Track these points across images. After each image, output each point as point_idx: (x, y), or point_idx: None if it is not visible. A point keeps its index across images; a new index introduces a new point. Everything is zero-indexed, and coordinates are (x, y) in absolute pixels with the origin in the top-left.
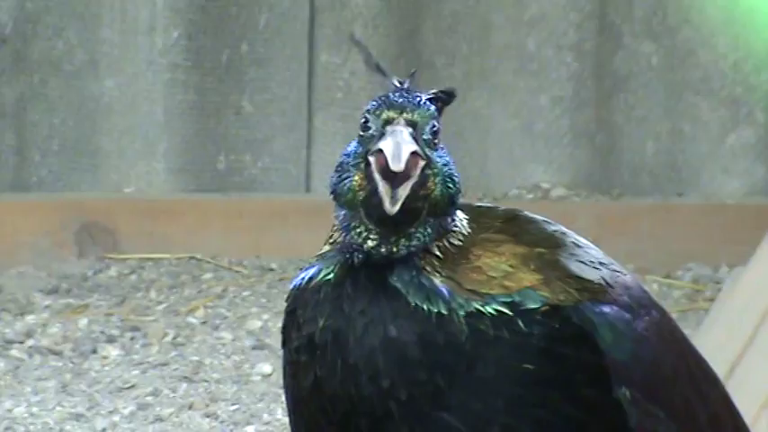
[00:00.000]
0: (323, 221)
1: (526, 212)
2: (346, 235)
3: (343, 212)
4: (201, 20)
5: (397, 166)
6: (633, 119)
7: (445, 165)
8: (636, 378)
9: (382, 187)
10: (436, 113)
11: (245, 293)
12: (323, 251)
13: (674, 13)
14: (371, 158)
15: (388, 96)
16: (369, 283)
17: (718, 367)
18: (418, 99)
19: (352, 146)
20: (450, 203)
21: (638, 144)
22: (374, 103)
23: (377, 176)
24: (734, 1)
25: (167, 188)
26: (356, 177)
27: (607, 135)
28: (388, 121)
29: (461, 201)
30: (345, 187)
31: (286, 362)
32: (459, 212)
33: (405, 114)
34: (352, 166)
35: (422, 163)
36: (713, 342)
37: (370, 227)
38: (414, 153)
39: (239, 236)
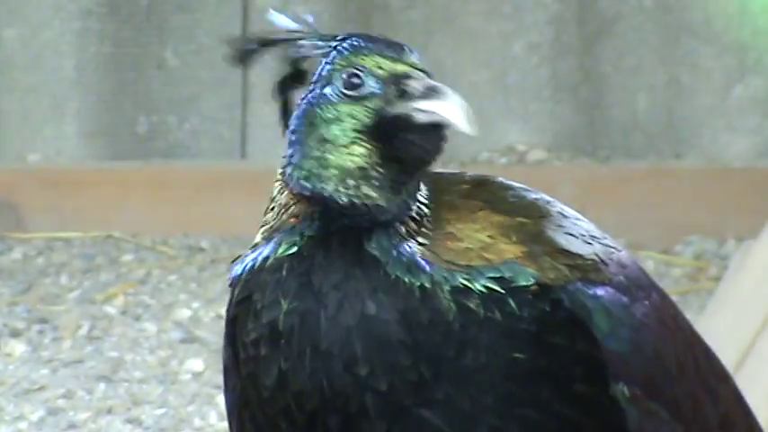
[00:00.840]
0: (261, 192)
1: (500, 178)
2: (342, 201)
3: (323, 193)
4: None
5: (475, 129)
6: (623, 68)
7: None
8: (635, 372)
9: (445, 110)
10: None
11: (172, 278)
12: (272, 226)
13: None
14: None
15: (369, 45)
16: (343, 251)
17: (726, 358)
18: (400, 44)
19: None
20: None
21: (629, 98)
22: (358, 51)
23: (423, 106)
24: None
25: (79, 156)
26: (358, 148)
27: (593, 88)
28: (405, 75)
29: None
30: (343, 162)
31: (234, 360)
32: None
33: (410, 61)
34: (346, 134)
35: None
36: (719, 328)
37: (386, 182)
38: None
39: (164, 210)
